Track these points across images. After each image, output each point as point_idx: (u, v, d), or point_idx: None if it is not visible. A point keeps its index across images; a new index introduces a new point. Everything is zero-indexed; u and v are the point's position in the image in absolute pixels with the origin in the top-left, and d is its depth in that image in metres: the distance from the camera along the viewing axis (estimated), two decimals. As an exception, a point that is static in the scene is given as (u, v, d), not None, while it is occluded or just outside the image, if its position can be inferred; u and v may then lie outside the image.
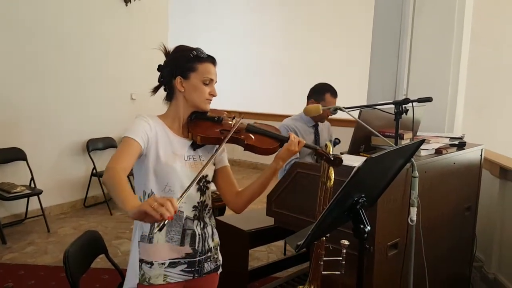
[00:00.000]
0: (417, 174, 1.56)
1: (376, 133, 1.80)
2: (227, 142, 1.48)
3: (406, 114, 2.13)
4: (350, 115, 1.39)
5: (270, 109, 6.81)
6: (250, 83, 7.70)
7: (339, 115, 2.54)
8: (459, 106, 3.27)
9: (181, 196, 1.18)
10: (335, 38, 6.67)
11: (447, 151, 2.43)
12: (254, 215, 2.75)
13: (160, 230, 1.07)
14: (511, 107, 4.71)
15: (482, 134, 3.91)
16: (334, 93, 2.90)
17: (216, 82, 1.56)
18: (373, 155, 1.07)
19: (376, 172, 1.25)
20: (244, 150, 1.54)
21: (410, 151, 1.32)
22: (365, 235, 1.22)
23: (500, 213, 3.14)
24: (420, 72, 3.19)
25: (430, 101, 1.97)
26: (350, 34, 6.22)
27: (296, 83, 6.09)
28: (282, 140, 1.54)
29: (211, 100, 1.54)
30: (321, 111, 1.46)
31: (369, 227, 1.22)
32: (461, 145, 2.59)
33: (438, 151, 2.39)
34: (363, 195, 1.24)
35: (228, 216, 2.93)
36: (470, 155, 2.70)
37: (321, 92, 2.90)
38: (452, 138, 2.63)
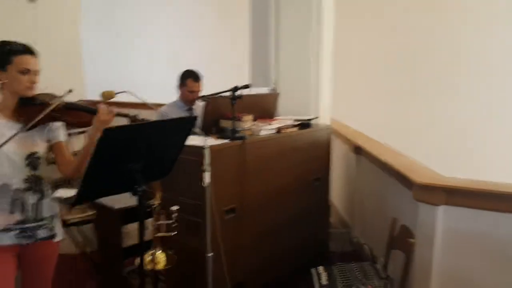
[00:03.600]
0: (208, 146, 1.92)
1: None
2: (48, 121, 1.79)
3: (241, 99, 2.53)
4: (138, 97, 1.68)
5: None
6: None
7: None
8: (324, 93, 3.69)
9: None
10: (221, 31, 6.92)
11: (286, 130, 2.83)
12: (126, 194, 2.99)
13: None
14: (376, 92, 5.27)
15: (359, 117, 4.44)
16: (196, 78, 3.20)
17: (37, 70, 1.77)
18: (114, 126, 1.40)
19: (145, 142, 1.58)
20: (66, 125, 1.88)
21: (180, 126, 1.66)
22: (140, 193, 1.55)
23: (359, 184, 3.63)
24: (286, 65, 3.57)
25: (249, 87, 2.37)
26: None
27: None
28: (94, 112, 1.78)
29: (32, 87, 1.76)
30: (114, 96, 1.76)
31: (143, 187, 1.56)
32: (304, 126, 3.00)
33: (279, 131, 2.79)
34: (140, 162, 1.58)
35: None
36: (316, 133, 3.14)
37: (183, 78, 3.22)
38: (298, 120, 3.01)
